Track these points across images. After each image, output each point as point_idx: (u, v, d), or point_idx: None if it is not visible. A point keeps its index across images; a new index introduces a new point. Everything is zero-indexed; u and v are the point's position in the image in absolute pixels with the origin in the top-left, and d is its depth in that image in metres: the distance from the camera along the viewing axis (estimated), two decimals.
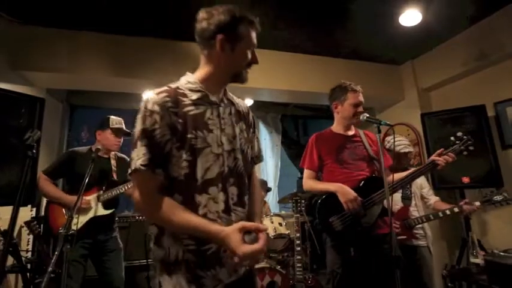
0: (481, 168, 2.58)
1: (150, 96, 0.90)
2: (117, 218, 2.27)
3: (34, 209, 2.68)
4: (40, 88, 2.82)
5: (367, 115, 1.55)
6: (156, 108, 0.86)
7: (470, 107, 2.73)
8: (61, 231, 1.23)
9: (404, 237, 2.17)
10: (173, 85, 0.95)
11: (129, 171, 0.87)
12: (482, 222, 2.83)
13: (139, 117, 0.87)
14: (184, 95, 0.92)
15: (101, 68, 2.72)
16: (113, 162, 2.15)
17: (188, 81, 0.98)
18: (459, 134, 1.74)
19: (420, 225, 2.22)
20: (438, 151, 1.68)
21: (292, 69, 3.16)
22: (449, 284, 2.27)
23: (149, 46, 2.83)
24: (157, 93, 0.90)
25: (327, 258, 1.75)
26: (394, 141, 2.20)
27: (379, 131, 1.47)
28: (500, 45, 2.63)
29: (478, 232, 2.74)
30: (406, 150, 2.31)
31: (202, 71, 1.00)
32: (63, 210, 1.99)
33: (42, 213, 2.76)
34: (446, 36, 3.00)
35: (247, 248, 0.81)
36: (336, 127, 1.88)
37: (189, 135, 0.87)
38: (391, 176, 1.60)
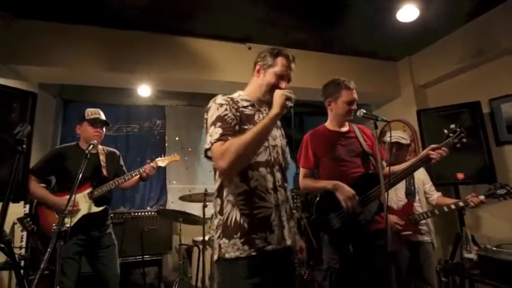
0: (476, 165, 2.60)
1: (216, 98, 1.20)
2: (112, 215, 2.26)
3: (27, 206, 2.65)
4: (32, 83, 2.77)
5: (364, 111, 1.54)
6: (224, 102, 1.17)
7: (466, 104, 2.74)
8: (54, 228, 1.21)
9: (410, 232, 2.17)
10: (229, 95, 1.24)
11: (205, 148, 1.11)
12: (475, 218, 2.87)
13: (211, 110, 1.16)
14: (238, 102, 1.22)
15: (94, 62, 2.67)
16: (102, 157, 2.10)
17: (239, 94, 1.28)
18: (452, 126, 1.68)
19: (424, 221, 2.24)
20: (431, 146, 1.67)
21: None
22: (443, 279, 2.30)
23: (144, 41, 2.79)
24: (221, 96, 1.20)
25: (323, 254, 1.75)
26: (391, 138, 2.20)
27: (376, 127, 1.46)
28: (497, 42, 2.64)
29: (472, 227, 2.77)
30: (403, 141, 2.32)
31: (250, 87, 1.32)
32: (51, 211, 1.94)
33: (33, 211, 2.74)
34: (443, 33, 3.00)
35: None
36: (330, 124, 1.86)
37: (245, 126, 1.15)
38: (387, 169, 1.60)
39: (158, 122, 4.00)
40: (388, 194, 1.73)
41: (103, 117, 2.11)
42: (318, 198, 1.75)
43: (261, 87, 1.25)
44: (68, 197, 1.68)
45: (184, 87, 3.27)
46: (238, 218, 1.11)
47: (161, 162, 2.22)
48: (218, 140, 1.07)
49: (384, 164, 1.85)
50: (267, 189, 1.14)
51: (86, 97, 3.65)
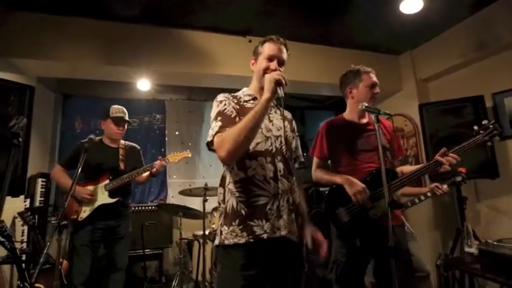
0: (478, 159, 2.59)
1: (218, 96, 1.27)
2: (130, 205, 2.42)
3: (28, 200, 2.65)
4: (30, 76, 2.74)
5: (366, 104, 1.51)
6: (223, 98, 1.25)
7: (469, 98, 2.71)
8: (53, 222, 1.20)
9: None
10: (232, 94, 1.31)
11: (207, 141, 1.16)
12: (476, 212, 2.86)
13: (213, 108, 1.23)
14: (240, 97, 1.29)
15: (93, 56, 2.64)
16: (121, 151, 2.26)
17: (243, 91, 1.35)
18: (484, 122, 1.54)
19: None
20: (441, 151, 1.58)
21: (288, 58, 3.10)
22: (443, 273, 2.31)
23: (143, 34, 2.75)
24: (222, 94, 1.28)
25: (332, 247, 1.73)
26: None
27: (378, 121, 1.44)
28: (499, 36, 2.60)
29: (472, 222, 2.77)
30: None
31: (252, 82, 1.36)
32: (73, 199, 2.10)
33: (37, 204, 2.75)
34: (445, 27, 2.96)
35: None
36: (350, 114, 1.78)
37: (243, 118, 1.15)
38: (401, 168, 1.57)
39: (158, 116, 3.98)
40: (385, 186, 1.73)
41: (127, 117, 2.28)
42: (327, 192, 1.73)
43: (257, 77, 1.30)
44: (89, 187, 2.08)
45: (184, 81, 3.24)
46: (235, 206, 1.15)
47: (172, 158, 2.30)
48: (217, 132, 1.13)
49: (399, 163, 1.81)
50: (266, 178, 1.16)
51: (85, 91, 3.63)
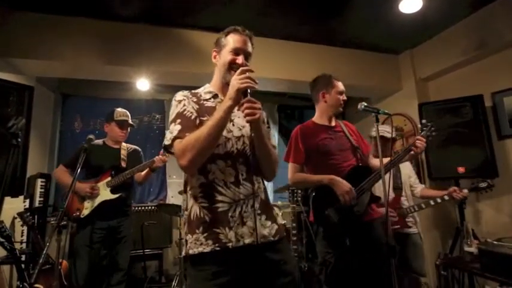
0: (477, 158, 2.59)
1: (176, 94, 1.18)
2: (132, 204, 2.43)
3: (27, 200, 2.65)
4: (30, 76, 2.74)
5: (365, 104, 1.52)
6: (182, 98, 1.15)
7: (468, 97, 2.72)
8: (52, 222, 1.20)
9: (398, 226, 2.22)
10: (193, 91, 1.22)
11: (164, 145, 1.09)
12: (475, 212, 2.87)
13: (172, 107, 1.15)
14: (200, 95, 1.20)
15: (92, 55, 2.63)
16: (123, 152, 2.32)
17: (204, 87, 1.24)
18: (423, 121, 1.84)
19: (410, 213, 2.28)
20: (417, 137, 1.72)
21: (287, 58, 3.10)
22: (443, 272, 2.31)
23: (143, 33, 2.75)
24: (181, 92, 1.19)
25: (317, 248, 1.76)
26: (381, 129, 2.21)
27: (377, 120, 1.45)
28: (500, 34, 2.60)
29: (471, 221, 2.77)
30: (386, 135, 2.32)
31: (213, 78, 1.26)
32: (75, 197, 2.14)
33: (37, 205, 2.75)
34: (445, 25, 2.95)
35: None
36: (320, 118, 1.86)
37: (203, 118, 1.11)
38: (375, 160, 1.61)
39: (157, 116, 3.97)
40: (375, 187, 1.79)
41: (130, 120, 2.35)
42: (314, 193, 1.74)
43: (220, 72, 1.19)
44: (90, 184, 2.12)
45: (184, 81, 3.23)
46: (198, 212, 1.07)
47: None
48: (177, 137, 1.05)
49: (372, 157, 1.91)
50: (226, 183, 1.07)
51: (85, 91, 3.62)
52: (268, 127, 1.29)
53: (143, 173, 2.32)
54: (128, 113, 2.36)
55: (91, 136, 1.80)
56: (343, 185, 1.61)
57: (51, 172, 2.35)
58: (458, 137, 2.70)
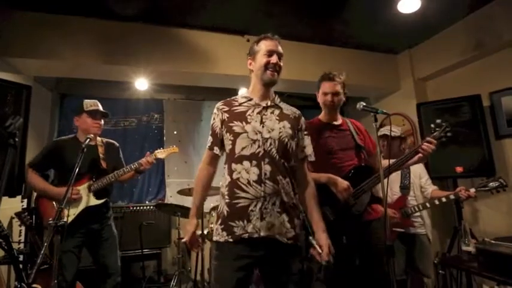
0: (475, 158, 2.60)
1: (217, 104, 1.38)
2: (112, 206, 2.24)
3: (25, 200, 2.64)
4: (27, 76, 2.73)
5: (364, 104, 1.52)
6: (216, 111, 1.36)
7: (466, 97, 2.72)
8: (50, 222, 1.19)
9: (402, 230, 2.21)
10: (231, 98, 1.40)
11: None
12: (473, 211, 2.88)
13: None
14: (236, 101, 1.36)
15: (91, 55, 2.63)
16: (100, 149, 2.09)
17: (242, 93, 1.42)
18: (438, 121, 1.71)
19: (418, 214, 2.27)
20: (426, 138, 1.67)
21: (286, 58, 3.06)
22: (441, 271, 2.32)
23: (141, 33, 2.74)
24: (220, 102, 1.38)
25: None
26: (391, 131, 2.20)
27: (376, 120, 1.45)
28: (498, 35, 2.61)
29: (469, 221, 2.79)
30: (393, 134, 2.34)
31: (251, 84, 1.40)
32: (53, 202, 1.95)
33: (34, 205, 2.73)
34: (443, 25, 2.96)
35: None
36: (324, 116, 1.87)
37: (231, 124, 1.28)
38: (383, 161, 1.60)
39: (156, 115, 3.96)
40: (383, 187, 1.76)
41: (101, 108, 2.09)
42: None
43: (257, 75, 1.32)
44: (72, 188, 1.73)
45: (182, 80, 3.23)
46: (222, 207, 1.26)
47: (160, 154, 2.18)
48: (208, 148, 1.35)
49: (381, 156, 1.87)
50: (249, 182, 1.20)
51: (83, 91, 3.60)
52: (306, 134, 1.40)
53: (127, 175, 2.08)
54: (98, 102, 2.10)
55: (90, 136, 1.75)
56: (341, 182, 1.61)
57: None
58: (456, 136, 2.71)
